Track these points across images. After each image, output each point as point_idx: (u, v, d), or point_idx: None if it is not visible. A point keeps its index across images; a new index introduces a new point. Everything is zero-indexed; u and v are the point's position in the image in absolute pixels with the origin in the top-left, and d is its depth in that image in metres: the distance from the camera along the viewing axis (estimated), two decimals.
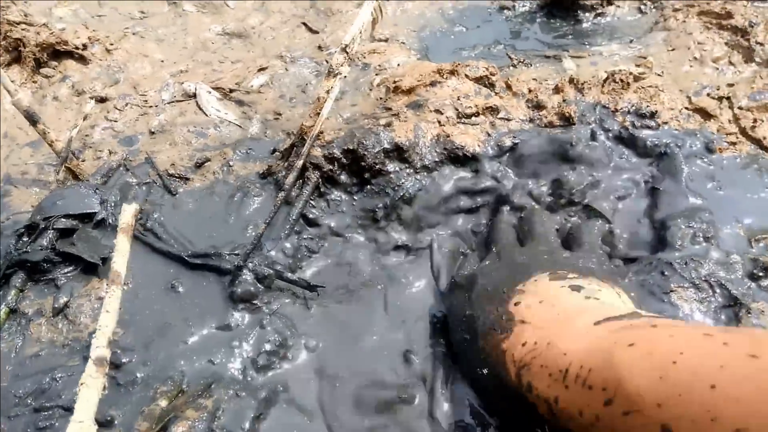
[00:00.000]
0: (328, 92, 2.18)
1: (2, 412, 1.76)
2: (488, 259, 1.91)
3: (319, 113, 2.20)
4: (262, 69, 2.96)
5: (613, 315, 1.36)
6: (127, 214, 1.57)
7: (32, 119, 2.27)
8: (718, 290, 1.87)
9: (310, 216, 2.27)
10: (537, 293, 1.59)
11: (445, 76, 2.57)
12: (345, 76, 2.19)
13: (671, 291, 1.92)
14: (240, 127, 2.67)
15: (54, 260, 2.09)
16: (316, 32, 3.24)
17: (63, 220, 2.17)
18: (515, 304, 1.58)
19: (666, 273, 1.94)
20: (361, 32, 2.21)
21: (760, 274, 1.88)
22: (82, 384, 1.33)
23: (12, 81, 2.86)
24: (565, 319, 1.44)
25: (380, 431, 1.66)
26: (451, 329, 1.82)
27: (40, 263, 2.06)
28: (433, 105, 2.49)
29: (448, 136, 2.39)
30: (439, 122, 2.42)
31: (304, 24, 3.29)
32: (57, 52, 2.95)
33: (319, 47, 3.08)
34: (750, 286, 1.83)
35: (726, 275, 1.89)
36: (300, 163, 2.13)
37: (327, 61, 2.95)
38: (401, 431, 1.66)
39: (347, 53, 2.17)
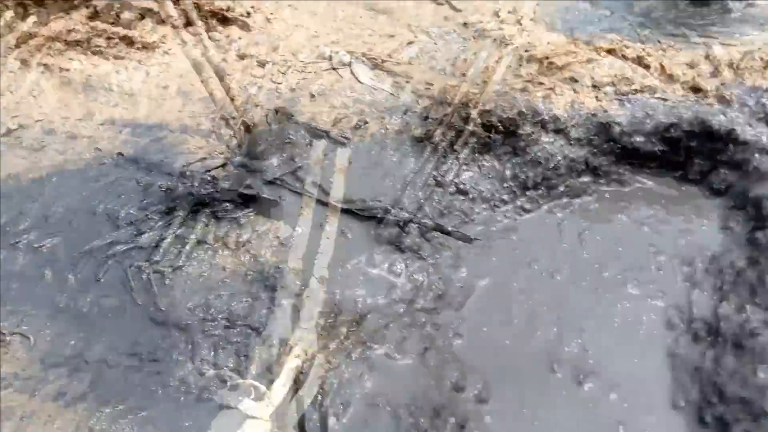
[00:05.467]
0: (497, 61, 2.28)
1: (196, 327, 1.98)
2: None
3: (486, 81, 2.30)
4: (410, 42, 3.08)
5: None
6: (342, 157, 1.73)
7: (220, 75, 2.50)
8: None
9: (463, 178, 2.38)
10: None
11: (601, 54, 2.60)
12: (517, 47, 2.28)
13: None
14: (393, 95, 2.81)
15: (236, 201, 2.30)
16: (459, 10, 3.33)
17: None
18: None
19: None
20: (535, 10, 2.29)
21: None
22: (306, 297, 1.49)
23: (184, 41, 3.15)
24: None
25: None
26: None
27: (224, 202, 2.27)
28: (590, 81, 2.53)
29: (605, 111, 2.43)
30: (596, 98, 2.46)
31: (446, 1, 3.39)
32: (224, 19, 3.19)
33: (465, 24, 3.17)
34: None
35: None
36: (467, 128, 2.24)
37: (474, 37, 3.04)
38: None
39: (521, 24, 2.25)
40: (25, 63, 3.02)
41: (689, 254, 2.18)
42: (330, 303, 1.87)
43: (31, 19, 3.20)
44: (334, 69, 2.97)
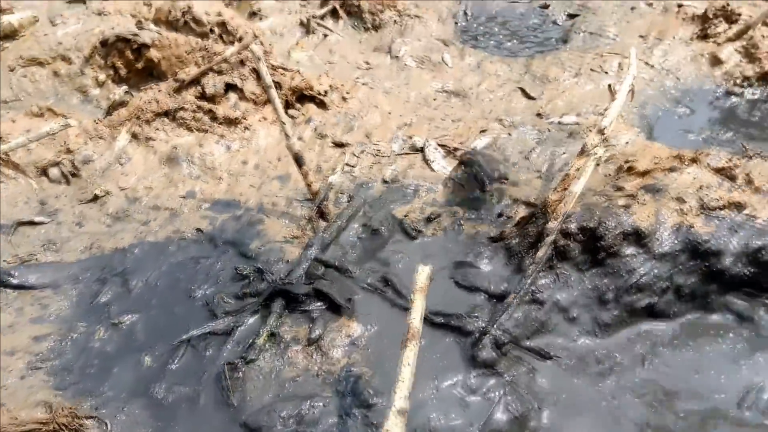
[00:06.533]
0: (578, 170, 2.26)
1: (266, 430, 1.98)
2: None
3: (566, 189, 2.28)
4: (483, 131, 3.10)
5: None
6: (423, 275, 1.72)
7: (299, 162, 2.56)
8: None
9: (538, 287, 2.34)
10: None
11: (686, 163, 2.54)
12: (600, 157, 2.26)
13: None
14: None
15: (309, 294, 2.33)
16: (533, 98, 3.35)
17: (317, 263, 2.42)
18: None
19: None
20: (619, 115, 2.27)
21: None
22: (387, 431, 1.47)
23: (264, 118, 3.25)
24: None
25: None
26: None
27: (299, 295, 2.30)
28: (674, 192, 2.47)
29: (691, 227, 2.36)
30: (681, 210, 2.40)
31: (521, 89, 3.41)
32: (302, 96, 3.29)
33: (539, 114, 3.18)
34: None
35: None
36: (551, 239, 2.21)
37: (549, 130, 3.04)
38: None
39: (603, 134, 2.23)
40: (114, 131, 3.17)
41: None
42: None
43: (123, 88, 3.39)
44: (407, 154, 3.01)
